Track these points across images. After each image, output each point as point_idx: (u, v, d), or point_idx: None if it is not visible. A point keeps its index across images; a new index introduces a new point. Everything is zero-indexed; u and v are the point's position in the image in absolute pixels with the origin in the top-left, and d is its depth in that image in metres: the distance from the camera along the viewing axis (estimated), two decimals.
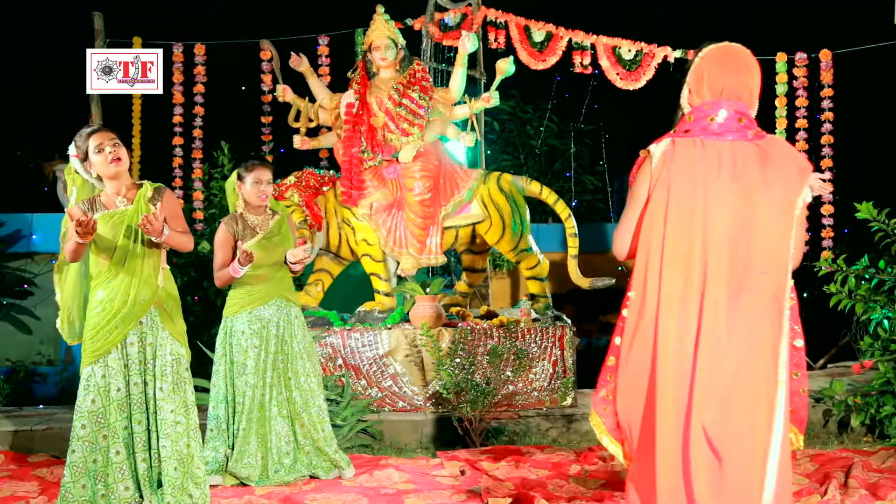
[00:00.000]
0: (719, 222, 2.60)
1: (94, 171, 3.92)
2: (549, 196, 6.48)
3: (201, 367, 6.70)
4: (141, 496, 3.88)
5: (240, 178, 4.66)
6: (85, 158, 3.91)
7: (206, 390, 5.31)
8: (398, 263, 6.32)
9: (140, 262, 3.88)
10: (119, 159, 3.87)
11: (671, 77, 6.93)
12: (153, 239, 3.81)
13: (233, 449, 4.59)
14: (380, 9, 6.36)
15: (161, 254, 3.96)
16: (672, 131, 2.75)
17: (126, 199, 3.93)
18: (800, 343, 2.73)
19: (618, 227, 2.78)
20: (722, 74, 2.68)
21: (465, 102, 6.39)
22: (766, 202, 2.60)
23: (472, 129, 6.43)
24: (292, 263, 4.65)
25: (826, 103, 7.08)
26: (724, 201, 2.60)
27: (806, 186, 2.67)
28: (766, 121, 7.48)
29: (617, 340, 2.78)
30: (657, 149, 2.69)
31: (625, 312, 2.76)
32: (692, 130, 2.69)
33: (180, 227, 3.96)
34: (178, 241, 3.92)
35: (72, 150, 3.98)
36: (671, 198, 2.63)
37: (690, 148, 2.64)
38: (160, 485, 3.88)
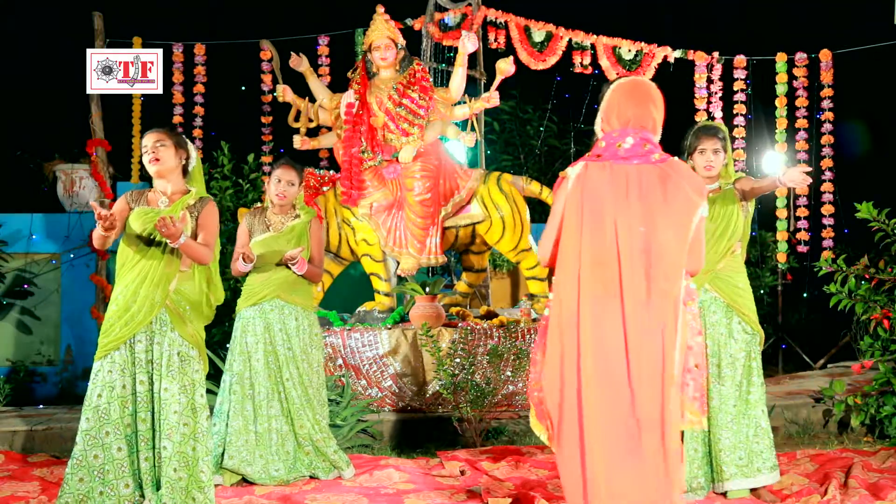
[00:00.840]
0: (628, 236, 2.94)
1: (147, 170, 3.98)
2: (549, 196, 6.48)
3: None
4: (142, 495, 3.88)
5: (270, 173, 4.74)
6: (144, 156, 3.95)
7: (212, 392, 5.33)
8: (398, 263, 6.32)
9: (158, 263, 3.87)
10: (157, 160, 3.89)
11: (671, 77, 6.94)
12: (168, 243, 3.81)
13: (229, 444, 4.60)
14: (380, 9, 6.36)
15: (183, 258, 3.95)
16: (587, 155, 3.09)
17: (170, 200, 3.94)
18: (699, 339, 3.07)
19: (541, 239, 3.14)
20: (629, 106, 3.03)
21: (465, 102, 6.39)
22: (667, 218, 2.94)
23: (472, 129, 6.43)
24: (290, 263, 4.64)
25: (826, 103, 7.08)
26: (632, 218, 2.95)
27: (703, 203, 2.98)
28: (766, 121, 7.50)
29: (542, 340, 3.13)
30: (573, 172, 3.04)
31: (546, 312, 3.11)
32: (603, 155, 3.03)
33: (206, 239, 3.94)
34: (196, 251, 3.87)
35: None
36: (584, 215, 2.98)
37: (600, 171, 3.00)
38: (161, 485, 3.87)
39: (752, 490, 4.24)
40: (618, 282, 2.94)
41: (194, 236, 3.89)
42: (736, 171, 4.46)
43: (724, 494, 4.22)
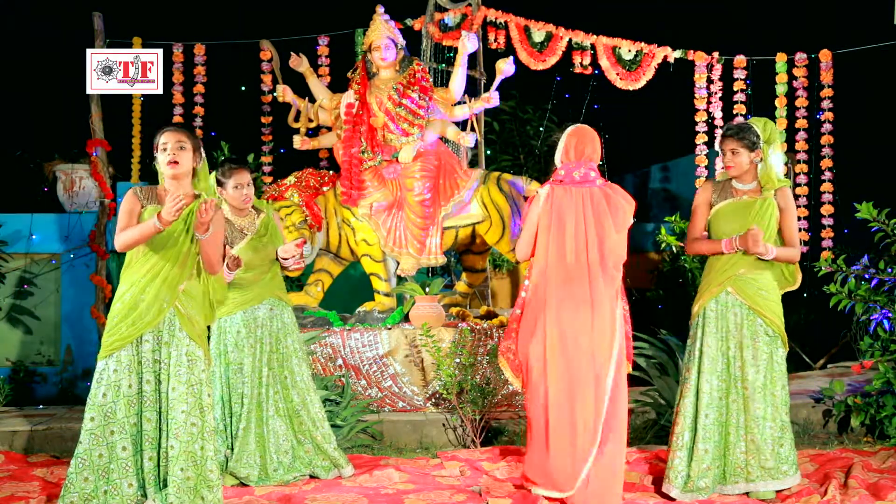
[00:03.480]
0: (582, 236, 4.11)
1: (158, 166, 3.92)
2: None
3: None
4: (144, 494, 3.87)
5: (219, 183, 4.63)
6: (156, 152, 3.90)
7: None
8: (398, 263, 6.32)
9: (172, 263, 3.86)
10: (176, 163, 3.85)
11: (671, 77, 6.94)
12: (197, 234, 3.80)
13: (232, 449, 4.59)
14: (379, 9, 6.36)
15: (195, 263, 3.93)
16: (550, 179, 4.26)
17: None
18: (626, 307, 4.26)
19: (519, 241, 4.31)
20: (582, 145, 4.22)
21: (464, 102, 6.39)
22: (611, 225, 4.13)
23: (472, 129, 6.43)
24: (284, 259, 4.63)
25: (826, 103, 7.07)
26: (587, 225, 4.12)
27: (632, 209, 4.20)
28: None
29: (517, 311, 4.30)
30: (543, 192, 4.21)
31: (523, 294, 4.28)
32: (564, 181, 4.20)
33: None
34: (211, 256, 3.91)
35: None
36: (553, 224, 4.15)
37: (563, 192, 4.18)
38: (166, 484, 3.86)
39: (752, 491, 4.25)
40: (578, 270, 4.10)
41: None
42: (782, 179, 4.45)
43: (748, 494, 4.22)
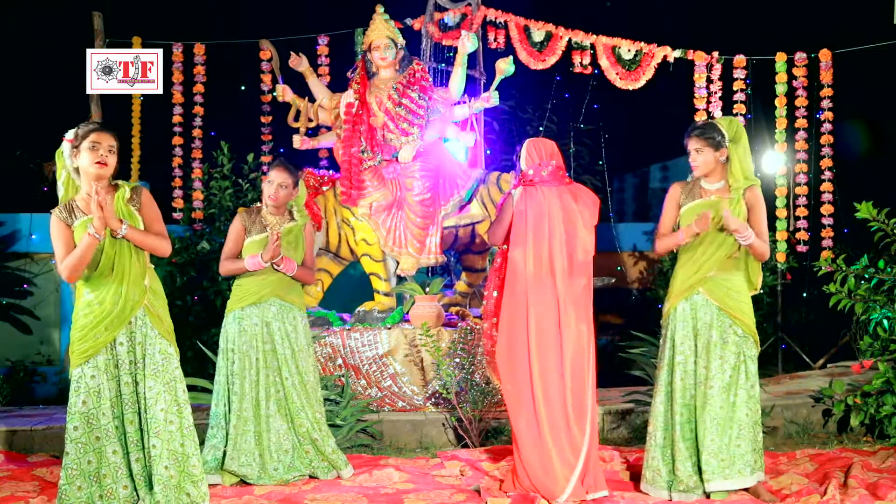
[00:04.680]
0: (557, 234, 4.35)
1: (78, 163, 3.83)
2: None
3: (202, 367, 6.69)
4: (139, 496, 3.88)
5: (265, 173, 4.78)
6: (77, 147, 3.84)
7: (206, 390, 5.33)
8: (398, 263, 6.32)
9: (128, 264, 3.84)
10: (105, 165, 3.81)
11: (671, 77, 6.94)
12: (114, 231, 3.76)
13: (231, 446, 4.59)
14: (379, 9, 6.36)
15: (146, 254, 3.94)
16: (519, 181, 4.48)
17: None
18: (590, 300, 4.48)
19: (494, 229, 4.55)
20: (539, 150, 4.47)
21: (464, 102, 6.39)
22: (580, 222, 4.39)
23: (472, 128, 6.43)
24: (275, 264, 4.63)
25: (826, 103, 7.07)
26: (559, 222, 4.36)
27: (597, 207, 4.47)
28: (765, 121, 7.49)
29: (483, 305, 4.69)
30: (516, 193, 4.44)
31: (494, 294, 4.56)
32: (534, 181, 4.42)
33: (157, 229, 3.93)
34: (150, 242, 3.87)
35: (69, 134, 3.86)
36: (530, 225, 4.36)
37: (535, 192, 4.41)
38: (152, 484, 3.86)
39: (750, 489, 4.24)
40: (550, 266, 4.33)
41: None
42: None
43: (708, 495, 4.21)
